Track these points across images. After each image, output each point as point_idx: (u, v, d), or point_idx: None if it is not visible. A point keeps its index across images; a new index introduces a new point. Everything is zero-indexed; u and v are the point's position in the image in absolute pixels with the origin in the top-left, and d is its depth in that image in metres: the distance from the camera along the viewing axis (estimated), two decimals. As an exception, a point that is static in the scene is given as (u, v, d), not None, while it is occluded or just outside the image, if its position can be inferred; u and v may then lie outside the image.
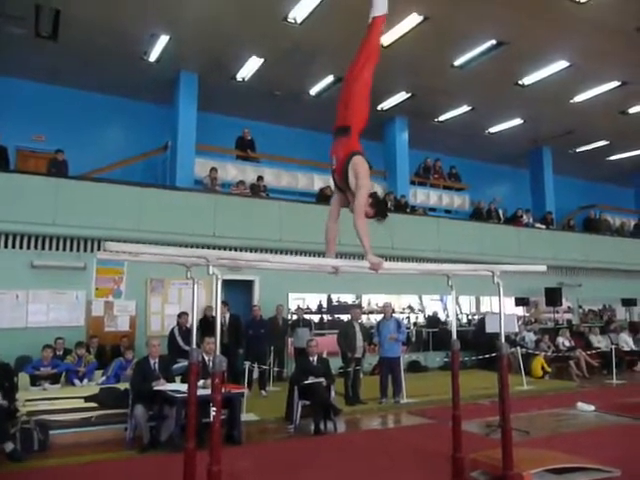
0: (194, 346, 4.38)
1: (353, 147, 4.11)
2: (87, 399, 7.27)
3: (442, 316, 14.31)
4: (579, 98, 14.12)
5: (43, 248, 9.98)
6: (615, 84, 13.30)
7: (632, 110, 14.88)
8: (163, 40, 11.33)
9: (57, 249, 10.10)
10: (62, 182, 10.30)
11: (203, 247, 10.59)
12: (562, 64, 12.27)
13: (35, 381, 7.97)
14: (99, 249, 10.19)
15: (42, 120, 12.76)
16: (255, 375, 9.99)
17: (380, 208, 4.08)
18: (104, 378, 8.29)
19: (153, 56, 11.95)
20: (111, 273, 10.46)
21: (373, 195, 4.04)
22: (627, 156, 19.02)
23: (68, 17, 10.30)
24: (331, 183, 4.49)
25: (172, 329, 9.50)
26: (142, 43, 11.46)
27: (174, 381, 7.21)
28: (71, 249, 10.22)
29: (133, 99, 13.80)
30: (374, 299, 13.31)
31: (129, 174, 12.51)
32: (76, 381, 8.28)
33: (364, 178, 3.95)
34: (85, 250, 10.29)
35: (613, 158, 19.26)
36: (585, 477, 4.87)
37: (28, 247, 9.88)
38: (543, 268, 5.11)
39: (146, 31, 11.03)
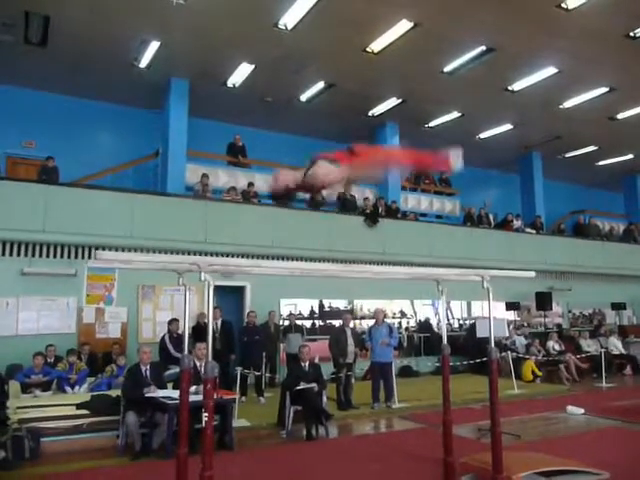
0: (186, 352, 4.38)
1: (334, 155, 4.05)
2: (78, 406, 7.24)
3: (434, 321, 14.35)
4: (568, 104, 14.25)
5: (33, 255, 9.94)
6: (603, 90, 13.42)
7: (620, 116, 15.01)
8: (154, 46, 11.34)
9: (47, 256, 10.05)
10: (52, 189, 10.27)
11: (194, 253, 10.63)
12: (551, 70, 12.39)
13: (26, 389, 7.93)
14: (90, 256, 10.16)
15: (32, 126, 12.73)
16: (250, 381, 9.99)
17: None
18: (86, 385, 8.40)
19: (144, 62, 11.95)
20: (102, 280, 10.42)
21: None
22: (616, 161, 19.19)
23: (58, 23, 10.30)
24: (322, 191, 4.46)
25: (163, 336, 9.47)
26: (133, 49, 11.46)
27: (165, 388, 7.19)
28: (62, 256, 10.17)
29: (124, 105, 13.79)
30: (366, 304, 13.32)
31: (120, 181, 12.50)
32: (67, 388, 8.25)
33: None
34: (76, 257, 10.26)
35: (602, 163, 19.43)
36: (575, 480, 4.91)
37: (18, 254, 9.83)
38: (532, 274, 5.15)
39: (137, 37, 11.04)
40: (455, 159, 4.31)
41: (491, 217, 17.16)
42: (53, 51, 11.24)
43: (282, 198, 4.01)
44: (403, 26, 10.52)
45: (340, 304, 13.06)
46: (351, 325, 10.17)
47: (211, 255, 10.70)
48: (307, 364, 8.04)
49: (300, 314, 12.35)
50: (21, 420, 6.63)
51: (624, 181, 21.53)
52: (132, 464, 6.19)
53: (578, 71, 12.44)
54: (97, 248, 9.77)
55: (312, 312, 12.69)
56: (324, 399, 7.98)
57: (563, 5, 9.81)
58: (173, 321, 9.52)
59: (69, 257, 10.23)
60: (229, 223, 11.48)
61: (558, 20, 10.27)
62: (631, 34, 10.81)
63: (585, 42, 11.13)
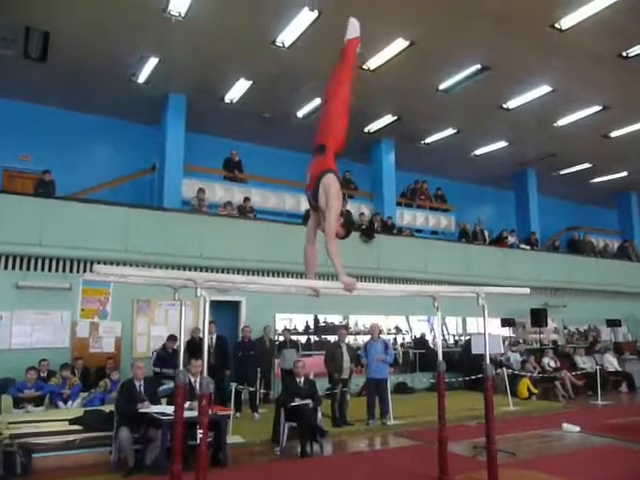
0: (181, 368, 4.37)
1: (327, 165, 4.10)
2: (71, 422, 7.17)
3: (429, 337, 14.32)
4: (562, 122, 14.37)
5: (28, 269, 9.89)
6: (597, 108, 13.55)
7: (614, 134, 15.15)
8: (152, 62, 11.41)
9: (43, 270, 10.01)
10: (49, 202, 10.26)
11: (190, 268, 10.63)
12: (545, 89, 12.52)
13: (18, 403, 7.86)
14: (85, 270, 10.13)
15: (29, 140, 12.73)
16: (244, 397, 9.94)
17: (351, 228, 4.07)
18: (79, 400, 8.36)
19: (142, 78, 12.02)
20: (97, 294, 10.38)
21: (345, 214, 4.01)
22: (610, 178, 19.32)
23: (58, 39, 10.36)
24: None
25: (154, 352, 9.45)
26: (131, 65, 11.53)
27: (159, 403, 7.14)
28: (57, 270, 10.13)
29: (121, 120, 13.83)
30: (361, 320, 13.30)
31: (116, 195, 12.49)
32: (60, 403, 8.19)
33: (334, 198, 3.92)
34: (71, 271, 10.21)
35: (596, 180, 19.56)
36: (570, 498, 4.89)
37: (13, 268, 9.78)
38: (526, 291, 5.18)
39: (135, 53, 11.11)
40: (352, 30, 4.43)
41: (486, 233, 17.22)
42: (52, 66, 11.29)
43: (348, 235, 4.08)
44: (399, 44, 10.64)
45: (335, 319, 13.04)
46: (346, 340, 10.15)
47: (207, 270, 10.70)
48: (302, 380, 8.01)
49: (295, 329, 12.32)
50: (13, 435, 6.55)
51: (618, 198, 21.67)
52: (125, 480, 6.14)
53: (572, 90, 12.58)
54: (92, 262, 9.75)
55: (307, 327, 12.65)
56: (319, 415, 7.94)
57: (557, 25, 9.95)
58: (171, 337, 9.47)
59: (64, 271, 10.19)
60: (225, 238, 11.48)
61: (552, 40, 10.40)
62: (624, 54, 10.95)
63: (579, 61, 11.27)
